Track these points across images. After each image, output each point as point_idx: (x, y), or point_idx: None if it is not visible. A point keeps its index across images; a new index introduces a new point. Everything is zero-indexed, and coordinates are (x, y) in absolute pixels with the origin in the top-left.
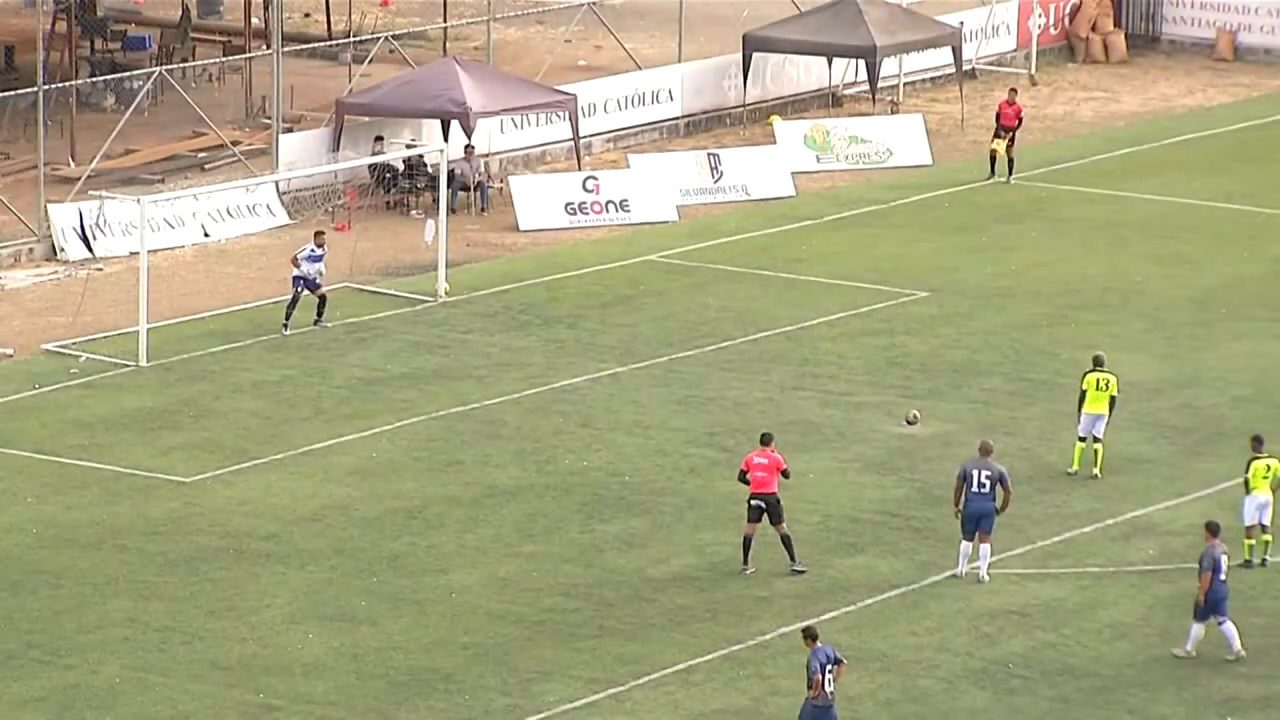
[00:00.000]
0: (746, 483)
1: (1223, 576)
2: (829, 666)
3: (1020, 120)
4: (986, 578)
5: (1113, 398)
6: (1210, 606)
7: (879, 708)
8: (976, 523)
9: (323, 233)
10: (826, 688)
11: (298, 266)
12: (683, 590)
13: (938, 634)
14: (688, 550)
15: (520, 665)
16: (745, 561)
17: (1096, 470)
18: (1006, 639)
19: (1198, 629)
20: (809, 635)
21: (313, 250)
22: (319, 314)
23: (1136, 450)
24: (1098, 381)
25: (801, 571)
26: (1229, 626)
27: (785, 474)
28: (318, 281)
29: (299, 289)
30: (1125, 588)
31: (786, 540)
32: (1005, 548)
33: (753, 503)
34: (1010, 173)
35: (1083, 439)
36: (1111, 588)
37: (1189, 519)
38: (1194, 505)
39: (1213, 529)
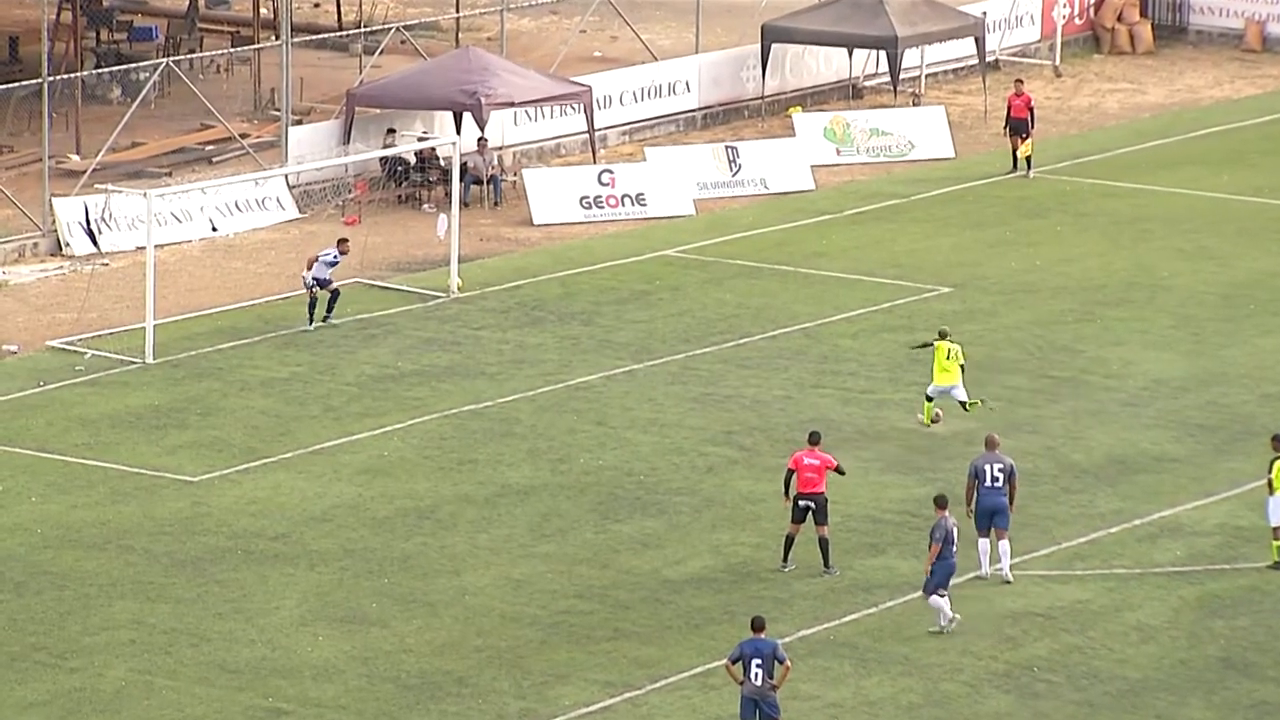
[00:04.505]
0: (788, 483)
1: (954, 549)
2: (756, 660)
3: (1032, 110)
4: (1011, 578)
5: (961, 366)
6: (940, 579)
7: (900, 712)
8: (991, 518)
9: (346, 240)
10: (754, 680)
11: (309, 268)
12: (700, 592)
13: (960, 636)
14: (705, 551)
15: (534, 668)
16: (785, 560)
17: (972, 401)
18: (1031, 642)
19: (937, 600)
20: (754, 625)
21: (335, 256)
22: (330, 309)
23: (1163, 449)
24: (948, 351)
25: (833, 575)
26: (945, 600)
27: (840, 471)
28: (329, 278)
29: (313, 288)
30: (1152, 589)
31: (825, 543)
32: (1030, 549)
33: (800, 503)
34: (1029, 167)
35: (930, 399)
36: (1138, 589)
37: (1217, 519)
38: (1221, 505)
39: (941, 502)
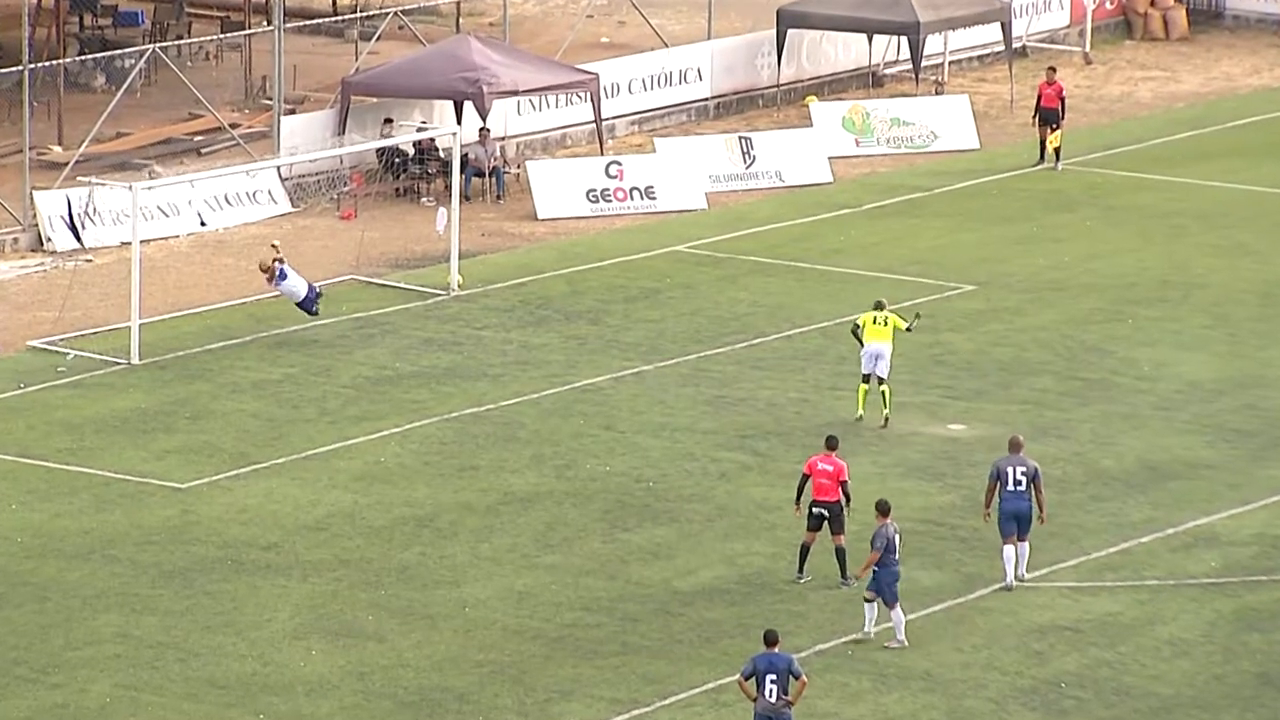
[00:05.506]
0: (801, 489)
1: (897, 556)
2: (771, 676)
3: (1063, 100)
4: (1025, 576)
5: (895, 331)
6: (881, 585)
7: None
8: (1015, 523)
9: (275, 246)
10: (768, 697)
11: (300, 291)
12: (712, 604)
13: (985, 651)
14: (717, 561)
15: (538, 684)
16: (801, 571)
17: (886, 411)
18: (1059, 656)
19: (896, 613)
20: (767, 639)
21: (283, 270)
22: (310, 308)
23: (1197, 455)
24: (874, 319)
25: (850, 586)
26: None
27: (844, 487)
28: (292, 287)
29: (310, 304)
30: (1186, 602)
31: (841, 553)
32: (1058, 559)
33: (814, 510)
34: (1058, 159)
35: (866, 379)
36: (1171, 602)
37: (1253, 528)
38: (1258, 514)
39: (882, 508)
